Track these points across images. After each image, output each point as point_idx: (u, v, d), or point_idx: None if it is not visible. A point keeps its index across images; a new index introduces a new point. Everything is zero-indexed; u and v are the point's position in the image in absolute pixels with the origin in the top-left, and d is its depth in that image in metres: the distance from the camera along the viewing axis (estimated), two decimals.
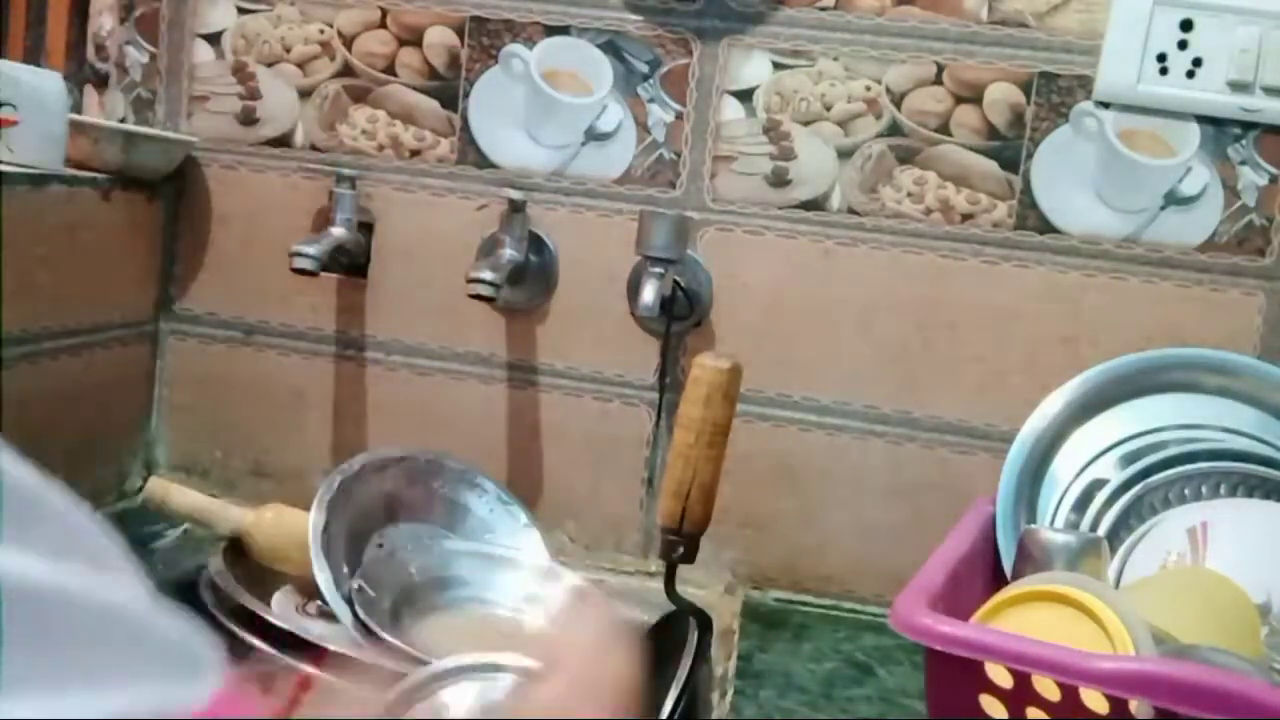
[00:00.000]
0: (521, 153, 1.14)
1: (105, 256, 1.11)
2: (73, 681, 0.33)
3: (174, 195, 1.19)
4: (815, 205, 1.10)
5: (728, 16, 1.10)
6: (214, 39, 1.19)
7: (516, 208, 1.11)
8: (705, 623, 0.74)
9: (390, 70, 1.16)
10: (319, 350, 1.19)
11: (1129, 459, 0.94)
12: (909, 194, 1.09)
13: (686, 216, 1.10)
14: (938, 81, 1.07)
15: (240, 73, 1.18)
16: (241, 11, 1.18)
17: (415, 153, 1.15)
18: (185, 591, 0.86)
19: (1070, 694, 0.64)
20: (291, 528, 0.92)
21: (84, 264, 1.07)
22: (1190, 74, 1.03)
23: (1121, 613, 0.67)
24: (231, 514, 0.95)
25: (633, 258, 1.11)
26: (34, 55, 1.26)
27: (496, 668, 0.69)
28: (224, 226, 1.19)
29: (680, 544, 0.76)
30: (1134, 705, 0.63)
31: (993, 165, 1.07)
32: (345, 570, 0.88)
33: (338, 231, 1.12)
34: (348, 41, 1.16)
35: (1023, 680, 0.66)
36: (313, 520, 0.90)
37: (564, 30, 1.12)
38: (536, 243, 1.13)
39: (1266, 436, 0.93)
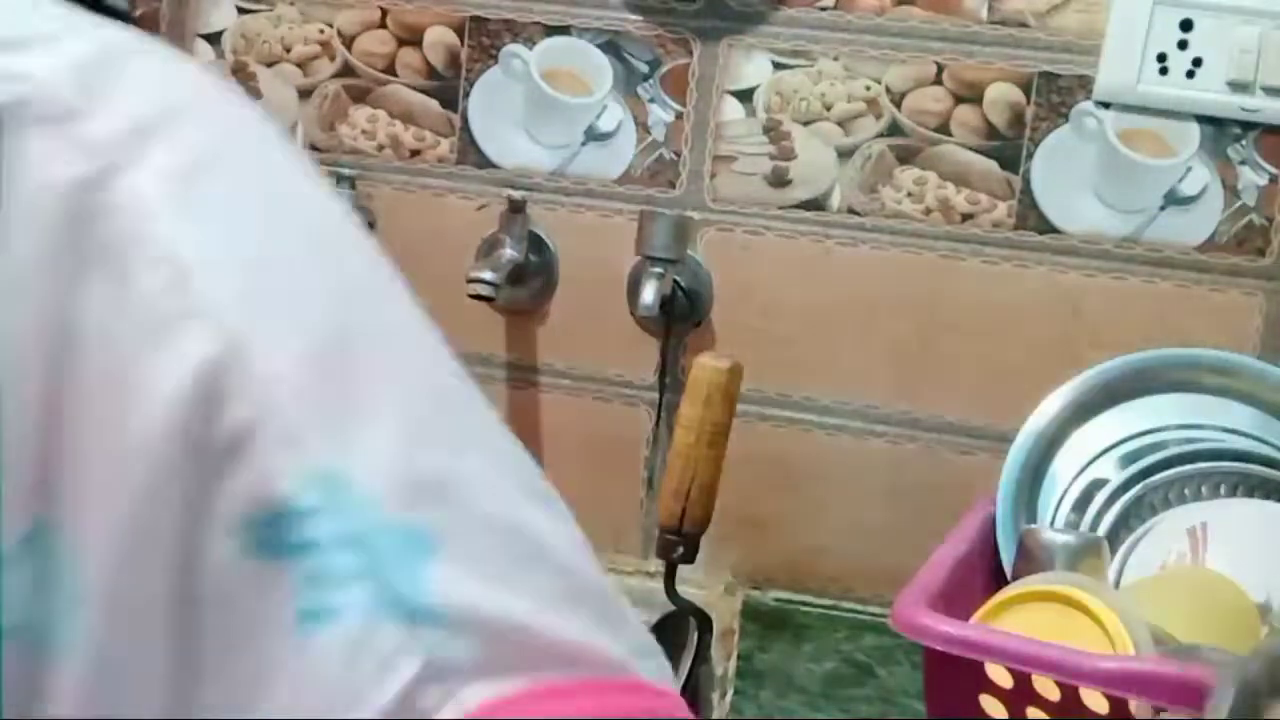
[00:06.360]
0: (521, 152, 1.14)
1: None
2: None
3: None
4: (815, 205, 1.10)
5: (728, 16, 1.10)
6: (214, 39, 1.19)
7: (516, 208, 1.11)
8: (705, 623, 0.74)
9: (390, 70, 1.16)
10: None
11: (1129, 459, 0.94)
12: (909, 194, 1.09)
13: (686, 216, 1.10)
14: (938, 81, 1.07)
15: (240, 72, 1.18)
16: (241, 11, 1.18)
17: (415, 153, 1.15)
18: None
19: (1070, 694, 0.65)
20: None
21: None
22: (1190, 74, 1.03)
23: (1121, 613, 0.67)
24: None
25: (633, 258, 1.11)
26: None
27: None
28: None
29: (680, 544, 0.76)
30: (1134, 705, 0.63)
31: (993, 165, 1.07)
32: None
33: None
34: (348, 41, 1.16)
35: (1023, 680, 0.66)
36: None
37: (564, 30, 1.12)
38: (536, 243, 1.13)
39: (1266, 436, 0.93)
